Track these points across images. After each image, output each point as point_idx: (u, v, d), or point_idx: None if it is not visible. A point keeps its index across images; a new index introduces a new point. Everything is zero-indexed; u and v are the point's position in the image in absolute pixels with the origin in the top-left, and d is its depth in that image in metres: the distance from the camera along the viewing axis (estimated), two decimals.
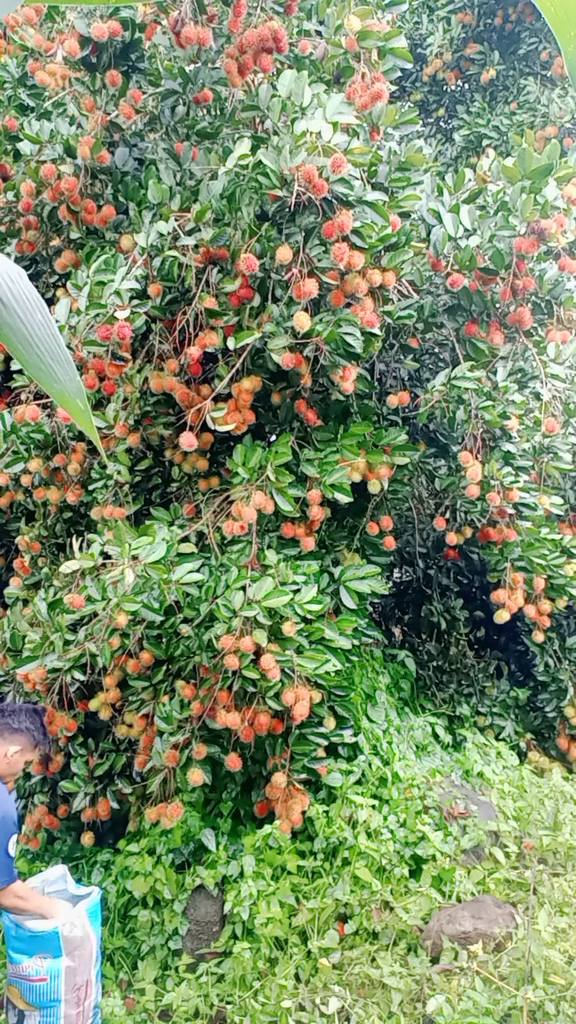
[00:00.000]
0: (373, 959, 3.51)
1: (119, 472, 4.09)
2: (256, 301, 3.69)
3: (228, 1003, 3.53)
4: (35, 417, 4.05)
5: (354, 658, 4.47)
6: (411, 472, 4.42)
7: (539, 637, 4.68)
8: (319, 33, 4.23)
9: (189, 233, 3.64)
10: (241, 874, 3.82)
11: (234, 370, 3.73)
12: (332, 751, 4.15)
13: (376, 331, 3.64)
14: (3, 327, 0.93)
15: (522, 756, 5.20)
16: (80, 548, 3.78)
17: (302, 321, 3.44)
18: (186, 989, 3.61)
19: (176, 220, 3.65)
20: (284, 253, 3.41)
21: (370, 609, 5.14)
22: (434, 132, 7.93)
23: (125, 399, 4.09)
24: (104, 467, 4.16)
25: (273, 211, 3.57)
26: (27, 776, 4.31)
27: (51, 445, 4.28)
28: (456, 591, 5.50)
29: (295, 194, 3.30)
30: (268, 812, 4.03)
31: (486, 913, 3.56)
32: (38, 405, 4.08)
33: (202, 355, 3.75)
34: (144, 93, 4.13)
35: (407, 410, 4.39)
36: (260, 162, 3.36)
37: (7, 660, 4.17)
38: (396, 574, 5.71)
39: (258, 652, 3.51)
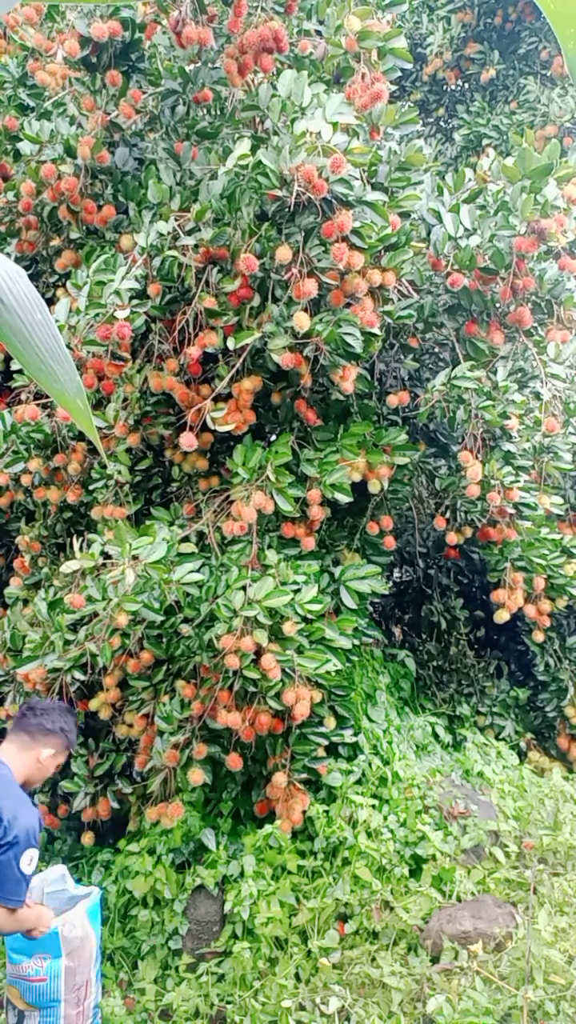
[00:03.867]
0: (373, 959, 3.51)
1: (119, 472, 4.09)
2: (256, 301, 3.69)
3: (228, 1003, 3.53)
4: (35, 417, 4.05)
5: (354, 658, 4.47)
6: (411, 472, 4.42)
7: (539, 637, 4.68)
8: (319, 33, 4.23)
9: (189, 233, 3.64)
10: (241, 874, 3.81)
11: (234, 370, 3.73)
12: (332, 751, 4.15)
13: (376, 331, 3.64)
14: (3, 327, 0.94)
15: (522, 756, 5.20)
16: (80, 548, 3.78)
17: (302, 321, 3.44)
18: (186, 989, 3.61)
19: (176, 220, 3.65)
20: (284, 253, 3.41)
21: (370, 609, 5.14)
22: (434, 132, 7.92)
23: (125, 399, 4.09)
24: (104, 467, 4.15)
25: (273, 211, 3.57)
26: None
27: (51, 445, 4.28)
28: (456, 591, 5.50)
29: (295, 194, 3.30)
30: (268, 812, 4.03)
31: (486, 913, 3.56)
32: (38, 405, 4.08)
33: (202, 355, 3.75)
34: (144, 93, 4.14)
35: (407, 410, 4.38)
36: (260, 162, 3.36)
37: (7, 660, 4.17)
38: (396, 574, 5.71)
39: (259, 652, 3.51)
